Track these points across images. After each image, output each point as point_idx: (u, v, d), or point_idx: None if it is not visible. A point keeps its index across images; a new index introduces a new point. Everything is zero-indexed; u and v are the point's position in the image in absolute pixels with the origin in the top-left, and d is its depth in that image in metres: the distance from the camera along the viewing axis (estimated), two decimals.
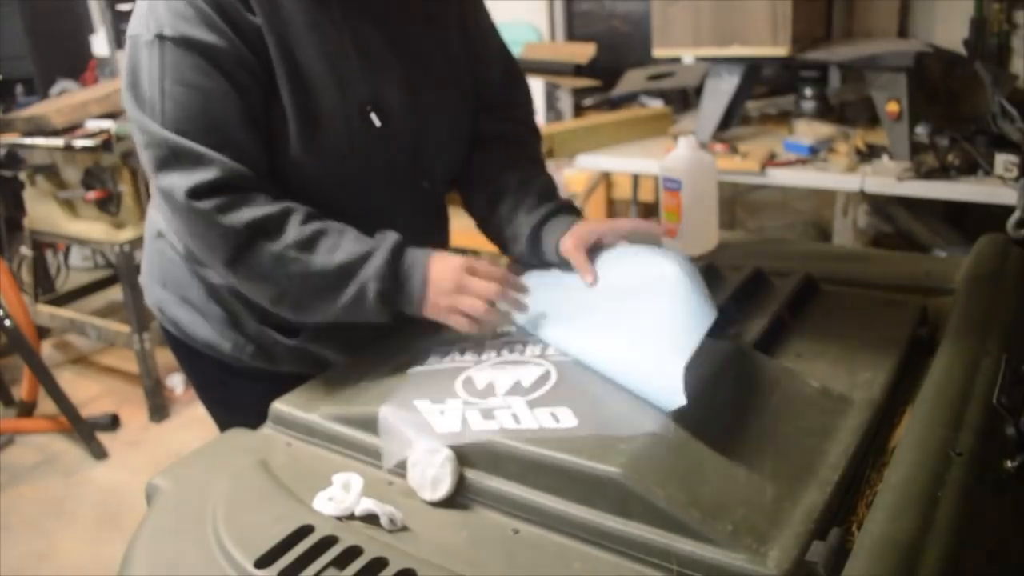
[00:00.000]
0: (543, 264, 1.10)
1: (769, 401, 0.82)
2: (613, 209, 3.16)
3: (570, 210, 1.11)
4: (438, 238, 1.22)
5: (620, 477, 0.70)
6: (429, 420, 0.82)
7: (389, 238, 0.96)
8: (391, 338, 1.05)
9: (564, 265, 1.06)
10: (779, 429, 0.78)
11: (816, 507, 0.69)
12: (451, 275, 0.94)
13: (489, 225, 1.15)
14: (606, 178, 3.01)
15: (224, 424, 1.16)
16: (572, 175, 3.00)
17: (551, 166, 2.95)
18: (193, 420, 2.66)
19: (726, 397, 0.81)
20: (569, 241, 1.05)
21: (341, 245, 0.95)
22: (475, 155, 1.16)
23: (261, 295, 0.98)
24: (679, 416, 0.77)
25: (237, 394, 1.14)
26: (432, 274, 0.95)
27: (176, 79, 0.92)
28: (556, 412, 0.80)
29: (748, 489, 0.70)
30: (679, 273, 0.91)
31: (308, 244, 0.94)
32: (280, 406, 0.95)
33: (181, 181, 0.93)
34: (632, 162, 2.30)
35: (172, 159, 0.93)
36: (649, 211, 2.96)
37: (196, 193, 0.93)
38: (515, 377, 0.88)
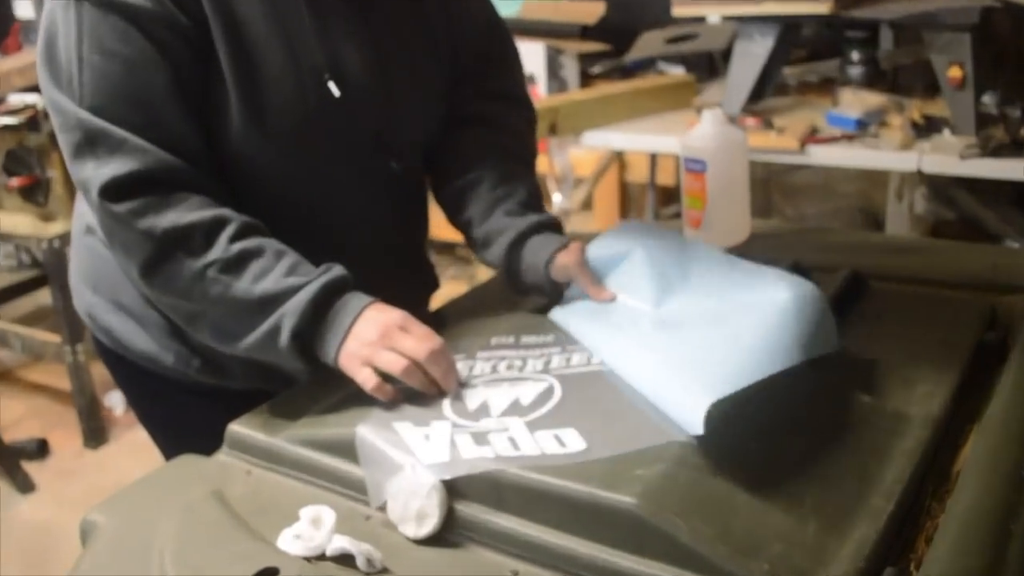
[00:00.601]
0: (514, 283, 1.10)
1: (811, 418, 0.83)
2: (627, 194, 3.16)
3: (559, 228, 1.11)
4: (415, 230, 1.21)
5: (636, 508, 0.70)
6: (412, 446, 0.82)
7: (329, 274, 0.94)
8: None
9: (549, 285, 1.07)
10: (824, 451, 0.79)
11: (867, 542, 0.69)
12: (379, 327, 0.92)
13: (458, 220, 1.15)
14: (619, 159, 3.02)
15: (171, 450, 1.16)
16: (579, 156, 3.00)
17: (553, 145, 2.97)
18: (135, 446, 2.65)
19: (760, 413, 0.81)
20: (569, 257, 1.05)
21: (271, 273, 0.94)
22: (449, 138, 1.15)
23: (175, 312, 0.98)
24: (706, 435, 0.76)
25: (185, 415, 1.14)
26: (359, 322, 0.93)
27: (95, 46, 0.92)
28: (561, 434, 0.80)
29: (787, 521, 0.71)
30: (787, 302, 0.89)
31: (234, 265, 0.93)
32: (238, 428, 0.95)
33: (95, 173, 0.92)
34: (649, 139, 2.30)
35: (86, 145, 0.92)
36: (669, 197, 2.96)
37: (111, 190, 0.92)
38: (512, 395, 0.88)
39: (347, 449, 0.86)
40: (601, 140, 2.35)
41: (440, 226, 1.22)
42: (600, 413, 0.83)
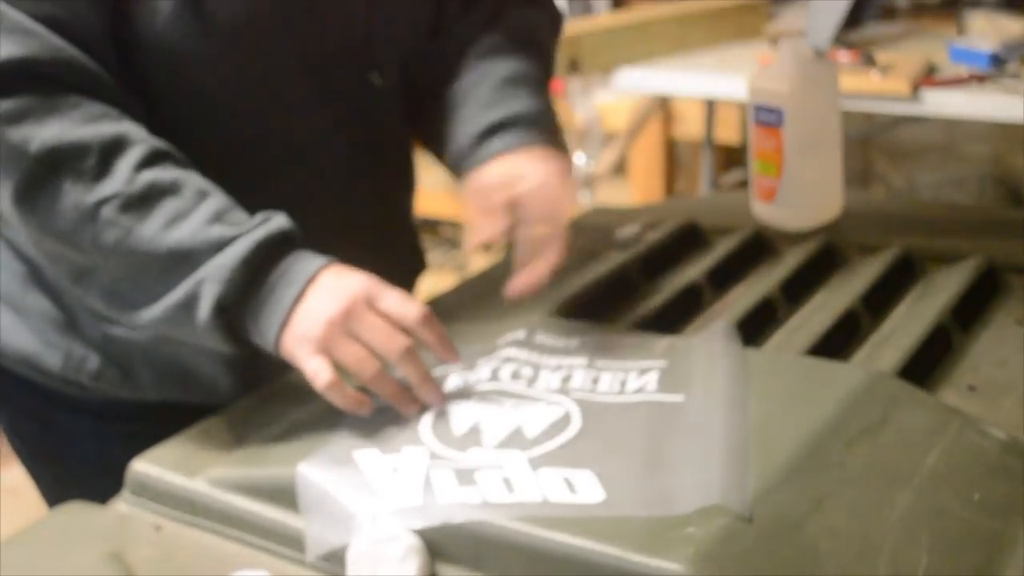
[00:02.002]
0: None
1: (923, 461, 0.83)
2: (674, 156, 3.16)
3: (541, 123, 1.11)
4: (398, 184, 1.22)
5: None
6: (373, 483, 0.83)
7: (269, 225, 0.93)
8: None
9: None
10: (939, 505, 0.79)
11: None
12: (339, 300, 0.91)
13: (428, 127, 1.17)
14: (663, 107, 3.01)
15: (54, 493, 1.17)
16: (609, 103, 3.00)
17: (575, 89, 2.96)
18: (7, 488, 2.66)
19: (854, 453, 0.82)
20: (478, 179, 1.06)
21: (188, 217, 0.92)
22: (438, 44, 1.17)
23: (59, 263, 0.97)
24: (777, 483, 0.77)
25: (74, 444, 1.15)
26: (311, 293, 0.92)
27: None
28: (573, 478, 0.81)
29: None
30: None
31: (138, 203, 0.92)
32: (144, 467, 0.95)
33: None
34: (704, 81, 2.31)
35: None
36: (731, 159, 2.96)
37: None
38: (515, 420, 0.89)
39: (293, 495, 0.86)
40: (638, 81, 2.35)
41: (424, 199, 1.23)
42: (631, 456, 0.84)
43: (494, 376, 0.96)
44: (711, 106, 2.67)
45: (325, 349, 0.91)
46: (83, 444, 1.13)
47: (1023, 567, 0.74)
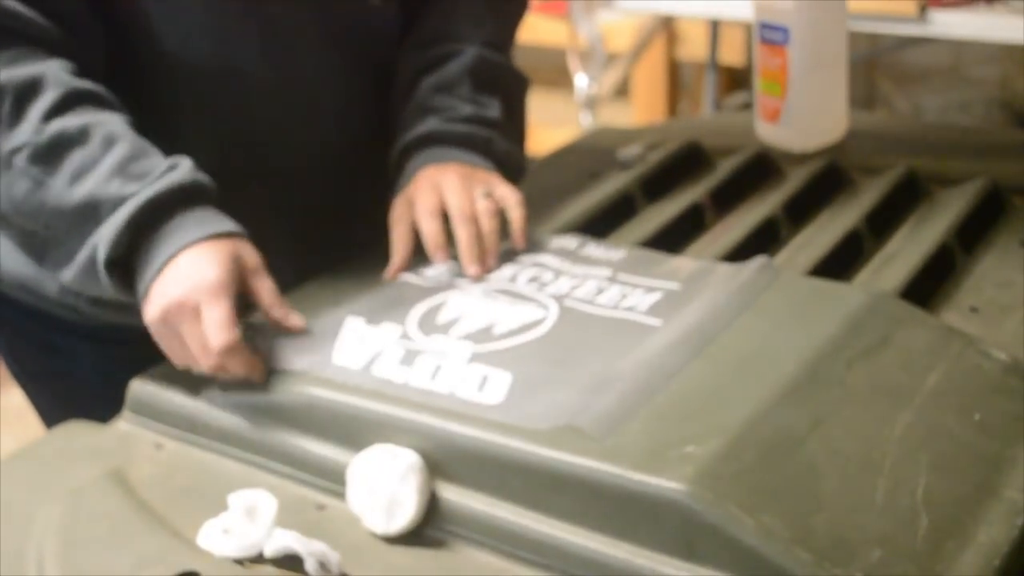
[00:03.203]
0: None
1: (924, 381, 0.83)
2: (678, 77, 3.13)
3: (462, 135, 1.08)
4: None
5: (685, 497, 0.70)
6: (341, 341, 0.90)
7: (162, 180, 0.91)
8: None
9: None
10: (940, 425, 0.79)
11: (998, 548, 0.70)
12: (199, 268, 0.89)
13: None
14: (666, 28, 2.99)
15: (54, 417, 1.17)
16: (611, 23, 2.97)
17: (577, 8, 2.93)
18: (7, 411, 2.68)
19: (855, 373, 0.82)
20: (398, 207, 1.05)
21: (94, 169, 0.91)
22: None
23: None
24: (777, 402, 0.77)
25: (72, 365, 1.15)
26: (183, 256, 0.90)
27: None
28: (491, 377, 0.84)
29: (888, 518, 0.71)
30: None
31: (46, 154, 0.91)
32: (144, 386, 0.95)
33: None
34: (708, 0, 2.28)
35: None
36: (736, 81, 2.94)
37: None
38: (493, 316, 0.93)
39: (295, 413, 0.87)
40: (642, 2, 2.32)
41: None
42: (556, 367, 0.85)
43: (513, 279, 0.98)
44: (715, 27, 2.65)
45: (170, 322, 0.90)
46: (83, 367, 1.14)
47: (1022, 487, 0.75)
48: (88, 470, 0.88)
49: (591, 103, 2.92)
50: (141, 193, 0.91)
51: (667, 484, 0.71)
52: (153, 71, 0.99)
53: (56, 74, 0.93)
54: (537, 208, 1.11)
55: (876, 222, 1.07)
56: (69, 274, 0.94)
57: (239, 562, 0.78)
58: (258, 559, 0.78)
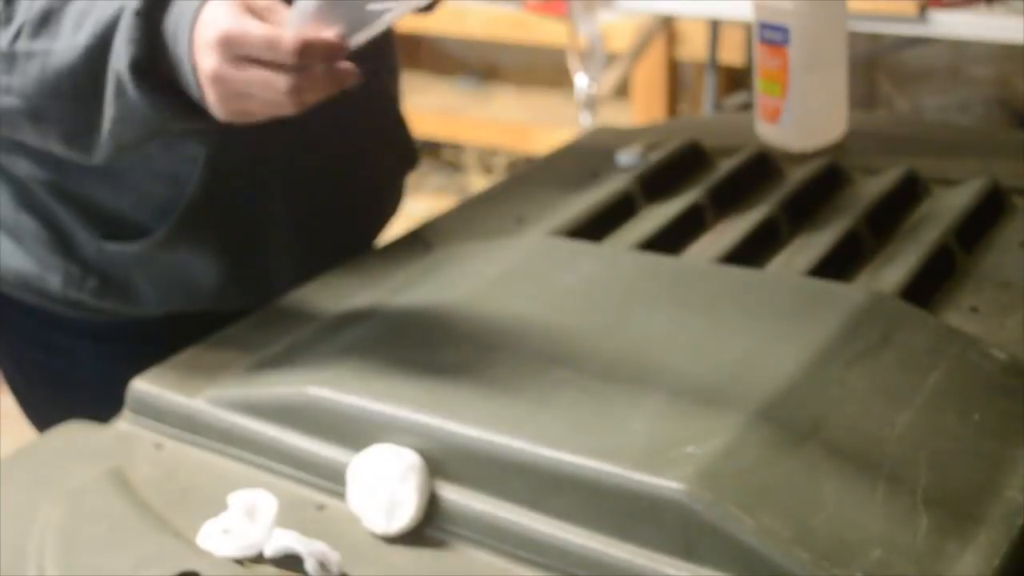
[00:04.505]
0: None
1: (924, 381, 0.83)
2: (678, 77, 3.13)
3: None
4: (379, 58, 1.18)
5: (685, 497, 0.70)
6: None
7: None
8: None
9: None
10: (940, 425, 0.79)
11: (997, 549, 0.70)
12: (227, 10, 0.83)
13: None
14: (666, 28, 2.99)
15: (49, 417, 1.17)
16: (612, 23, 2.97)
17: (577, 8, 2.92)
18: (6, 412, 2.67)
19: (855, 373, 0.82)
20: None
21: (93, 10, 0.89)
22: None
23: (12, 123, 0.94)
24: (777, 402, 0.77)
25: (71, 365, 1.15)
26: (208, 10, 0.84)
27: None
28: None
29: (888, 518, 0.71)
30: None
31: (44, 21, 0.90)
32: (144, 386, 0.95)
33: None
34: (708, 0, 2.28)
35: None
36: (736, 81, 2.94)
37: None
38: None
39: (295, 413, 0.86)
40: (642, 2, 2.32)
41: (424, 120, 1.22)
42: None
43: None
44: (715, 27, 2.65)
45: (235, 91, 0.85)
46: (83, 367, 1.14)
47: (1022, 487, 0.75)
48: (88, 470, 0.88)
49: (591, 103, 2.92)
50: None
51: (667, 484, 0.71)
52: None
53: None
54: (537, 208, 1.11)
55: (876, 222, 1.07)
56: (107, 129, 0.91)
57: (239, 562, 0.77)
58: (258, 559, 0.78)
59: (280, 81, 0.83)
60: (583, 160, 1.30)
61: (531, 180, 1.15)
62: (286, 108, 0.85)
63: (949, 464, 0.76)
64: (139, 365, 0.98)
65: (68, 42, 0.90)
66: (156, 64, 0.88)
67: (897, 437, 0.77)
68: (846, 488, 0.73)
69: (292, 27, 0.83)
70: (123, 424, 0.96)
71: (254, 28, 0.82)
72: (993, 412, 0.81)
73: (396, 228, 1.24)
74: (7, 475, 0.90)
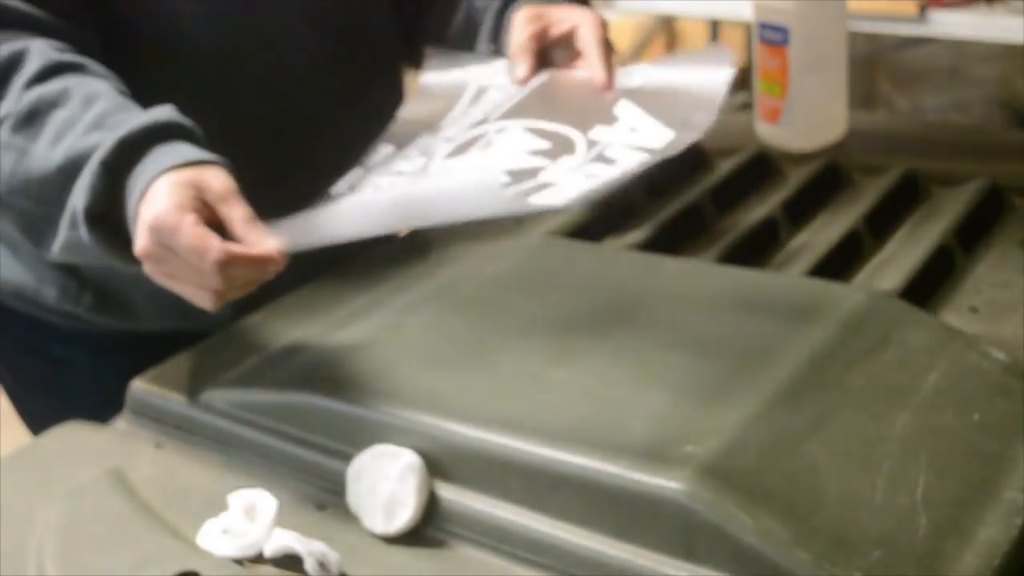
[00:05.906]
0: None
1: (923, 381, 0.83)
2: None
3: None
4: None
5: (684, 497, 0.70)
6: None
7: (151, 114, 0.87)
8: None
9: None
10: (939, 425, 0.79)
11: (998, 547, 0.70)
12: (170, 193, 0.81)
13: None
14: (668, 27, 2.99)
15: (44, 423, 1.17)
16: (612, 23, 2.98)
17: None
18: (6, 412, 2.67)
19: (854, 373, 0.82)
20: (525, 28, 1.07)
21: (75, 126, 0.88)
22: None
23: None
24: (777, 402, 0.77)
25: (69, 375, 1.15)
26: (158, 184, 0.82)
27: None
28: (432, 170, 0.92)
29: (888, 518, 0.71)
30: None
31: (29, 120, 0.89)
32: (144, 387, 0.96)
33: None
34: (708, 1, 2.28)
35: None
36: (736, 81, 2.94)
37: None
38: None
39: (295, 415, 0.87)
40: (642, 2, 2.32)
41: None
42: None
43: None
44: (715, 27, 2.65)
45: (159, 258, 0.83)
46: (80, 377, 1.13)
47: (1022, 487, 0.75)
48: (88, 470, 0.88)
49: None
50: (115, 132, 0.86)
51: (666, 484, 0.71)
52: (147, 58, 0.98)
53: (41, 48, 0.92)
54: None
55: (876, 222, 1.07)
56: (58, 245, 0.89)
57: (239, 562, 0.78)
58: (258, 559, 0.78)
59: (204, 281, 0.82)
60: None
61: None
62: (207, 305, 0.83)
63: (949, 464, 0.76)
64: (137, 370, 0.98)
65: (44, 152, 0.88)
66: (110, 212, 0.86)
67: (897, 437, 0.77)
68: (846, 488, 0.73)
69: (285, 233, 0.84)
70: (123, 424, 0.96)
71: (187, 228, 0.80)
72: (993, 412, 0.81)
73: None
74: (7, 475, 0.90)
